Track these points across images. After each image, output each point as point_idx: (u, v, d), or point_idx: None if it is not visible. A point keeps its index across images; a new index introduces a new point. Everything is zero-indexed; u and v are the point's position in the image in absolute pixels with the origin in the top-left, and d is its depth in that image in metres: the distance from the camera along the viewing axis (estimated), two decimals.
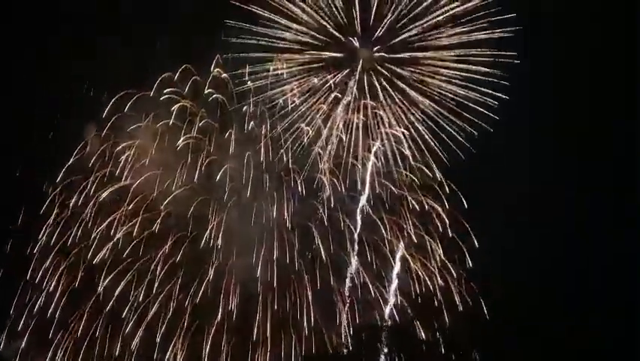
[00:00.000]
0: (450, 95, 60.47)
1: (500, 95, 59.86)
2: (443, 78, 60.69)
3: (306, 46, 60.12)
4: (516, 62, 59.77)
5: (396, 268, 58.99)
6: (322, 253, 57.48)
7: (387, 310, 58.65)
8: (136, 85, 59.36)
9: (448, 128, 60.00)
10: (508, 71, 60.07)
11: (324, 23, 59.96)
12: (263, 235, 57.44)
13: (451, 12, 60.26)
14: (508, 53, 59.85)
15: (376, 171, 59.66)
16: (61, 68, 62.02)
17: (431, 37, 60.81)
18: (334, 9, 59.95)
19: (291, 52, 59.95)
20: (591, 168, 61.84)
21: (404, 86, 60.65)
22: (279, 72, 59.72)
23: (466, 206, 58.76)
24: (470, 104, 60.13)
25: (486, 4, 59.79)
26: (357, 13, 59.75)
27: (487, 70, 60.07)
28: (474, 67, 60.38)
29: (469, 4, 60.08)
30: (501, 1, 59.95)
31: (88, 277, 56.89)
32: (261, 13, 59.40)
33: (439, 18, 60.44)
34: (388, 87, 60.58)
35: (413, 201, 58.93)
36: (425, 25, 60.52)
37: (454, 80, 60.61)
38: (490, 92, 59.91)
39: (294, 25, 59.96)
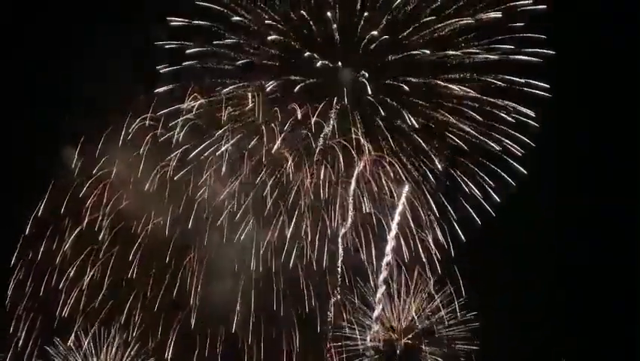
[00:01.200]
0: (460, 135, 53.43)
1: (526, 139, 51.03)
2: (446, 110, 53.72)
3: (282, 69, 56.58)
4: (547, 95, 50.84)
5: (380, 292, 56.85)
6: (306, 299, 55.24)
7: (368, 338, 56.85)
8: (109, 112, 56.87)
9: (462, 183, 53.34)
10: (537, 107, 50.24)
11: (299, 45, 56.29)
12: (244, 275, 55.37)
13: (461, 23, 52.05)
14: (536, 83, 51.14)
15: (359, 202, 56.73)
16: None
17: (431, 58, 53.61)
18: (312, 27, 56.24)
19: (265, 77, 56.49)
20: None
21: (393, 116, 55.27)
22: (255, 99, 56.54)
23: (452, 254, 54.96)
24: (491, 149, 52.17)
25: (509, 19, 50.52)
26: (337, 30, 55.92)
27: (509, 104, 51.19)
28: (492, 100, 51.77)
29: (484, 16, 51.18)
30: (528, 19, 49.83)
31: (62, 324, 55.17)
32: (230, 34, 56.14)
33: (441, 33, 52.65)
34: (377, 118, 55.52)
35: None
36: (424, 43, 53.45)
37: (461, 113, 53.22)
38: (514, 133, 51.06)
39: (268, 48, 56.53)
